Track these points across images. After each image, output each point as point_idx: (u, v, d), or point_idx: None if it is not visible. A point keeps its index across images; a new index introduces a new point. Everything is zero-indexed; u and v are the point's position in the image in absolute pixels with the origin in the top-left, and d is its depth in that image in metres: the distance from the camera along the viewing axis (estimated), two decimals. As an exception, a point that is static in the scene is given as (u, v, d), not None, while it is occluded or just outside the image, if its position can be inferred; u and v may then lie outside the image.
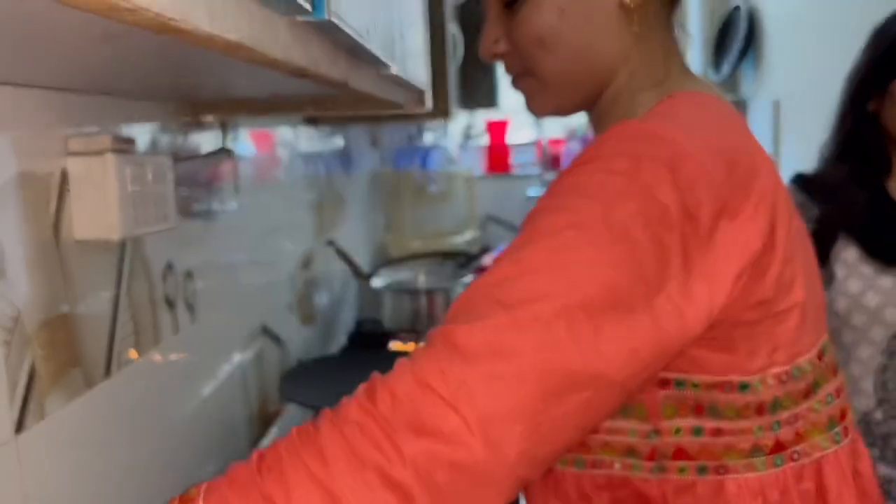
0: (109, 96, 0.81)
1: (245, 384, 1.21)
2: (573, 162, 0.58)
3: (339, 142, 1.99)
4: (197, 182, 1.06)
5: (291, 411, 1.20)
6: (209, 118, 1.04)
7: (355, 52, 0.58)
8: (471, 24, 2.14)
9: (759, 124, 2.13)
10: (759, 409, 0.60)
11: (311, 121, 1.62)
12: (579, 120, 2.72)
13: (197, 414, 1.03)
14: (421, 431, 0.48)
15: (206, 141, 1.07)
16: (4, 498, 0.62)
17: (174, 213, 0.84)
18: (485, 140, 2.82)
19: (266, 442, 1.12)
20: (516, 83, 0.71)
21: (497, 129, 2.79)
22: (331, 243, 1.73)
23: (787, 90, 2.02)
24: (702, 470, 0.60)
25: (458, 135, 2.82)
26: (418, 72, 0.97)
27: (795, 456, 0.61)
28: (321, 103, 1.00)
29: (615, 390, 0.52)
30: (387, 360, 1.40)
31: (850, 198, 1.19)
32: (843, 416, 0.65)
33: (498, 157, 2.80)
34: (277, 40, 0.39)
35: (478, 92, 2.21)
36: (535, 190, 2.70)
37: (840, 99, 1.26)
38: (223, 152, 1.07)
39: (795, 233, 0.62)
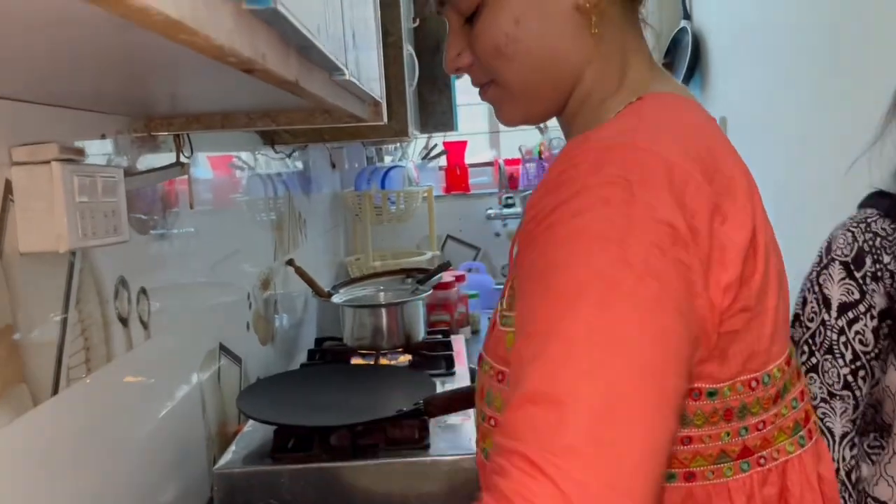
0: (59, 108, 0.80)
1: (203, 404, 1.19)
2: (557, 186, 0.55)
3: (299, 164, 1.98)
4: (151, 197, 1.04)
5: (250, 430, 1.18)
6: (163, 132, 1.03)
7: (306, 51, 0.58)
8: (426, 46, 2.17)
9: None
10: (727, 416, 0.59)
11: (270, 142, 1.61)
12: (535, 140, 2.76)
13: (152, 434, 1.01)
14: None
15: (159, 160, 1.06)
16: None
17: (126, 227, 0.83)
18: (443, 160, 2.83)
19: (224, 461, 1.09)
20: (483, 94, 0.72)
21: (455, 149, 2.81)
22: (290, 262, 1.72)
23: (732, 107, 2.08)
24: (670, 477, 0.59)
25: (416, 156, 2.83)
26: (373, 84, 0.98)
27: (762, 461, 0.61)
28: (274, 117, 1.00)
29: None
30: (346, 376, 1.39)
31: None
32: (807, 419, 0.65)
33: (457, 177, 2.81)
34: (221, 26, 0.39)
35: (435, 114, 2.23)
36: (493, 209, 2.72)
37: None
38: (178, 166, 1.06)
39: (770, 234, 0.62)
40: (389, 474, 1.06)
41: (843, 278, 1.03)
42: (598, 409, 0.46)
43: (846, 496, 1.04)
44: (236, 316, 1.42)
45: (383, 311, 1.55)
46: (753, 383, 0.60)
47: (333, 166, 2.51)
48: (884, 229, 1.04)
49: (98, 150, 0.90)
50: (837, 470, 1.03)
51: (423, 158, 2.83)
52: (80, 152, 0.75)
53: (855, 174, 1.08)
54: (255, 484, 1.05)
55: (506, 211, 2.70)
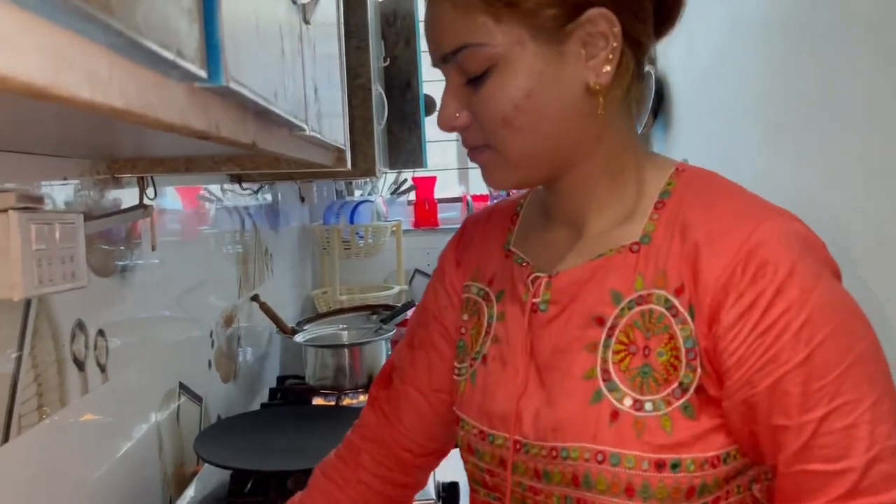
0: (20, 153, 0.80)
1: (160, 444, 1.18)
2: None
3: (267, 197, 1.99)
4: (112, 238, 1.04)
5: (208, 473, 1.17)
6: (126, 174, 1.04)
7: (264, 113, 0.60)
8: (397, 84, 2.20)
9: (673, 182, 2.23)
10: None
11: (238, 179, 1.62)
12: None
13: (107, 476, 1.00)
14: None
15: (124, 196, 1.06)
16: None
17: (85, 272, 0.83)
18: (413, 195, 2.86)
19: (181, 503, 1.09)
20: (475, 156, 0.69)
21: (425, 184, 2.83)
22: (255, 298, 1.72)
23: (694, 149, 2.14)
24: None
25: (386, 190, 2.85)
26: (336, 132, 0.99)
27: None
28: (240, 162, 1.01)
29: None
30: (309, 416, 1.38)
31: None
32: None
33: (426, 211, 2.84)
34: (173, 105, 0.40)
35: (405, 151, 2.25)
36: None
37: None
38: (140, 209, 1.07)
39: None
40: (346, 519, 1.05)
41: None
42: None
43: None
44: (198, 354, 1.41)
45: (346, 350, 1.56)
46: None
47: (303, 199, 2.52)
48: None
49: (59, 192, 0.90)
50: None
51: (393, 193, 2.85)
52: (39, 200, 0.75)
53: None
54: (210, 528, 1.04)
55: (474, 246, 2.73)
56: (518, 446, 0.68)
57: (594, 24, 0.62)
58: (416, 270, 2.79)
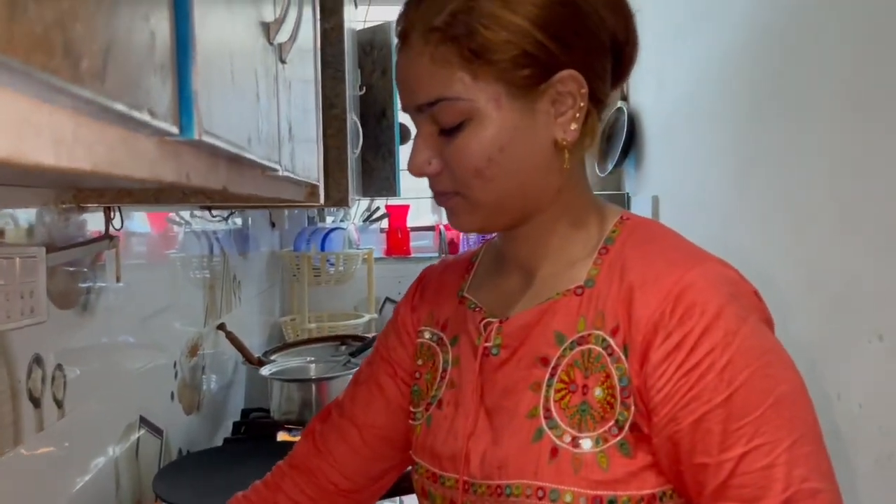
0: (-20, 184, 0.78)
1: (117, 480, 1.14)
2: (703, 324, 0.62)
3: (236, 221, 1.97)
4: (76, 269, 1.02)
5: (167, 510, 1.14)
6: (92, 204, 1.01)
7: (237, 159, 0.59)
8: (372, 113, 2.20)
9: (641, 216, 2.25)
10: None
11: (207, 207, 1.60)
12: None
13: (60, 516, 0.96)
14: None
15: (89, 220, 1.04)
16: None
17: (45, 307, 0.81)
18: (385, 223, 2.85)
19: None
20: (442, 200, 0.71)
21: (398, 212, 2.82)
22: (221, 327, 1.69)
23: (665, 186, 2.17)
24: None
25: (358, 218, 2.84)
26: (310, 168, 0.98)
27: None
28: (210, 196, 1.00)
29: None
30: (273, 453, 1.36)
31: None
32: None
33: (398, 240, 2.82)
34: (142, 160, 0.39)
35: (378, 179, 2.25)
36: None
37: None
38: (106, 239, 1.04)
39: None
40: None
41: None
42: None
43: None
44: (160, 385, 1.38)
45: (312, 385, 1.53)
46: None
47: (273, 225, 2.49)
48: None
49: (21, 222, 0.88)
50: None
51: (365, 220, 2.83)
52: None
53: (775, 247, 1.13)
54: (167, 571, 1.01)
55: (445, 276, 2.72)
56: (467, 486, 0.70)
57: (564, 84, 0.66)
58: (387, 299, 2.77)
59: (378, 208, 2.83)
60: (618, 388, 0.64)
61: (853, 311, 1.18)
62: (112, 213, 1.07)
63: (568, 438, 0.65)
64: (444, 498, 0.72)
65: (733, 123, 1.68)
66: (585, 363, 0.66)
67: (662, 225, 0.74)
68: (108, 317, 1.12)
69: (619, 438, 0.63)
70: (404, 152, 2.43)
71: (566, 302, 0.69)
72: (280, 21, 0.68)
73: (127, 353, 1.22)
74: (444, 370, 0.77)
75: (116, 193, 1.00)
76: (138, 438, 1.24)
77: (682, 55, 1.97)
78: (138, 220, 1.28)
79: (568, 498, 0.63)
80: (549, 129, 0.67)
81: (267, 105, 0.67)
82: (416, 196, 2.96)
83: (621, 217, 0.73)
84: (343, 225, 2.59)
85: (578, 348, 0.67)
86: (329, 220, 2.70)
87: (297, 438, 1.49)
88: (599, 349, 0.66)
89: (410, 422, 0.79)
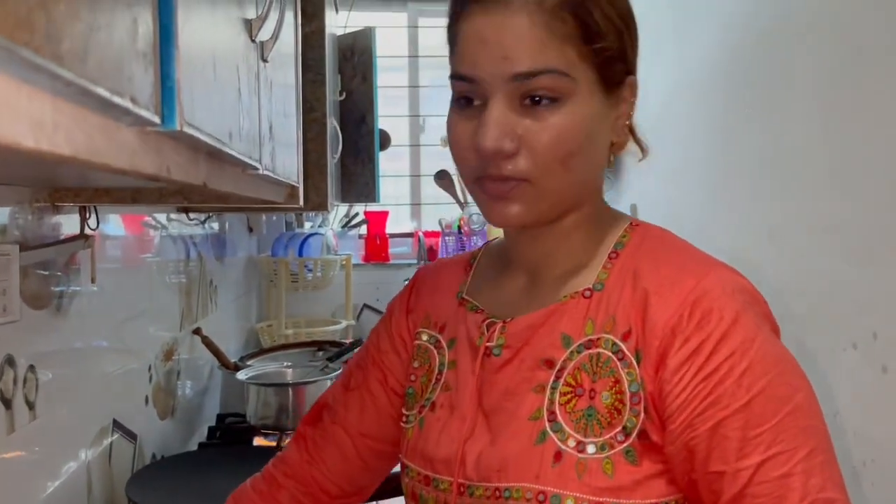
0: (-47, 180, 0.76)
1: (89, 485, 1.12)
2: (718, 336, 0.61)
3: (214, 226, 1.95)
4: (50, 269, 1.00)
5: (139, 516, 1.12)
6: (68, 203, 1.00)
7: (218, 153, 0.58)
8: (352, 119, 2.20)
9: (621, 226, 2.27)
10: None
11: (185, 210, 1.58)
12: (455, 214, 2.80)
13: (30, 521, 0.94)
14: None
15: (64, 221, 1.02)
16: None
17: (17, 306, 0.79)
18: (364, 229, 2.84)
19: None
20: (500, 187, 0.64)
21: (376, 219, 2.82)
22: (197, 332, 1.67)
23: (642, 195, 2.19)
24: None
25: (337, 223, 2.83)
26: (290, 169, 0.98)
27: None
28: (187, 195, 0.99)
29: None
30: (248, 458, 1.34)
31: None
32: None
33: (376, 246, 2.82)
34: (123, 150, 0.38)
35: (357, 185, 2.24)
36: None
37: None
38: (81, 239, 1.03)
39: None
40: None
41: None
42: None
43: None
44: (135, 389, 1.36)
45: (289, 389, 1.52)
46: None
47: (251, 230, 2.47)
48: None
49: (-6, 221, 0.86)
50: None
51: (344, 226, 2.82)
52: (-28, 230, 0.72)
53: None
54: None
55: (423, 283, 2.71)
56: (462, 489, 0.68)
57: (630, 88, 0.67)
58: (365, 305, 2.76)
59: (357, 214, 2.82)
60: (627, 393, 0.62)
61: (829, 320, 1.19)
62: (88, 213, 1.05)
63: (573, 443, 0.63)
64: (436, 500, 0.70)
65: (710, 132, 1.71)
66: (594, 367, 0.64)
67: (671, 233, 0.73)
68: (82, 319, 1.10)
69: (625, 445, 0.62)
70: (384, 158, 2.43)
71: (574, 304, 0.68)
72: (262, 18, 0.68)
73: (101, 357, 1.20)
74: (440, 372, 0.75)
75: (93, 193, 0.99)
76: (111, 443, 1.22)
77: (659, 65, 2.00)
78: (114, 224, 1.26)
79: (569, 503, 0.61)
80: (612, 129, 0.67)
81: (248, 102, 0.66)
82: (395, 203, 2.97)
83: (631, 223, 0.72)
84: (321, 231, 2.58)
85: (586, 352, 0.65)
86: (307, 225, 2.68)
87: (273, 444, 1.48)
88: (609, 353, 0.64)
89: (402, 424, 0.78)
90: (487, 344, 0.71)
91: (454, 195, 2.83)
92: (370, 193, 2.31)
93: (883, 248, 1.06)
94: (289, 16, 0.94)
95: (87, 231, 1.05)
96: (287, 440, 1.49)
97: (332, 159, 1.78)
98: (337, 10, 2.11)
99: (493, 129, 0.61)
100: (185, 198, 1.00)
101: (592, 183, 0.70)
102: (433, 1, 2.87)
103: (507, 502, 0.64)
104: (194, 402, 1.73)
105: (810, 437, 0.59)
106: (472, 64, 0.62)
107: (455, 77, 0.65)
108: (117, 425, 1.25)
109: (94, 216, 1.07)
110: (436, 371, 0.76)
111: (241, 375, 1.59)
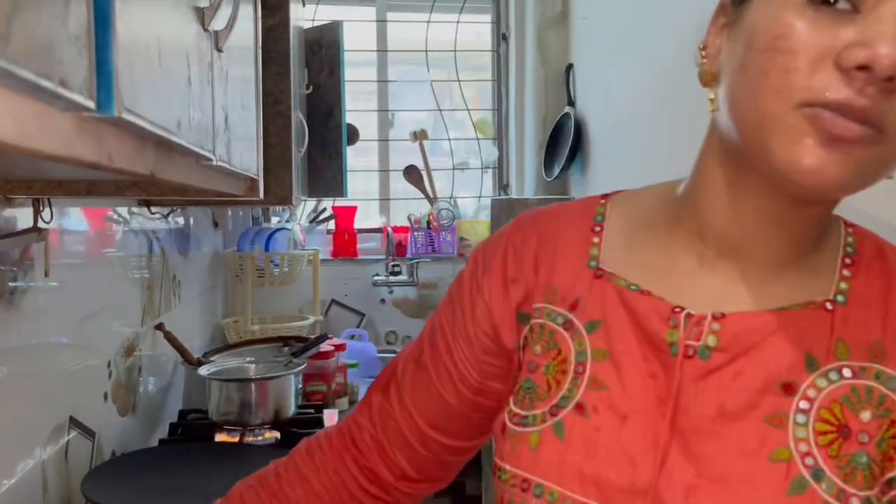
0: None
1: (44, 484, 1.10)
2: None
3: (178, 220, 1.92)
4: (2, 263, 0.98)
5: (96, 514, 1.10)
6: (21, 196, 0.98)
7: (166, 143, 0.57)
8: (319, 112, 2.18)
9: (588, 222, 2.28)
10: None
11: (146, 203, 1.56)
12: (424, 210, 2.80)
13: (-20, 521, 0.92)
14: None
15: (19, 214, 1.00)
16: None
17: (-36, 299, 0.77)
18: (332, 224, 2.82)
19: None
20: (843, 124, 0.47)
21: (345, 214, 2.80)
22: (159, 327, 1.65)
23: (610, 188, 2.20)
24: None
25: (304, 218, 2.81)
26: (249, 160, 0.97)
27: None
28: (145, 188, 0.97)
29: None
30: (209, 455, 1.33)
31: None
32: None
33: (345, 241, 2.80)
34: (57, 135, 0.37)
35: (325, 179, 2.23)
36: (380, 275, 2.72)
37: None
38: (34, 232, 1.01)
39: None
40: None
41: None
42: None
43: None
44: (93, 385, 1.34)
45: (252, 385, 1.50)
46: None
47: (216, 224, 2.44)
48: None
49: (-58, 213, 0.84)
50: None
51: (311, 221, 2.80)
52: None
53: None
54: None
55: (392, 279, 2.70)
56: None
57: None
58: (333, 301, 2.74)
59: (325, 209, 2.80)
60: None
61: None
62: (41, 206, 1.03)
63: (842, 496, 0.52)
64: None
65: (675, 130, 1.73)
66: (861, 403, 0.54)
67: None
68: (38, 314, 1.08)
69: (886, 497, 0.53)
70: (353, 153, 2.42)
71: (814, 316, 0.56)
72: (215, 6, 0.66)
73: (57, 353, 1.18)
74: (580, 363, 0.60)
75: (46, 184, 0.97)
76: (68, 441, 1.19)
77: (626, 63, 2.01)
78: (75, 219, 1.24)
79: None
80: None
81: (200, 92, 0.65)
82: (363, 198, 2.95)
83: (843, 222, 0.61)
84: (288, 226, 2.55)
85: (844, 381, 0.55)
86: (274, 220, 2.66)
87: (235, 439, 1.47)
88: (883, 389, 0.54)
89: (512, 426, 0.63)
90: (689, 342, 0.57)
91: (423, 190, 2.83)
92: (338, 188, 2.29)
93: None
94: (247, 7, 0.93)
95: (41, 224, 1.02)
96: (249, 437, 1.48)
97: (298, 153, 1.76)
98: (304, 4, 2.09)
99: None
100: (143, 190, 0.99)
101: None
102: (402, -5, 2.86)
103: None
104: (156, 398, 1.70)
105: None
106: None
107: None
108: (74, 422, 1.22)
109: (48, 209, 1.04)
110: (572, 361, 0.61)
111: (203, 371, 1.57)
